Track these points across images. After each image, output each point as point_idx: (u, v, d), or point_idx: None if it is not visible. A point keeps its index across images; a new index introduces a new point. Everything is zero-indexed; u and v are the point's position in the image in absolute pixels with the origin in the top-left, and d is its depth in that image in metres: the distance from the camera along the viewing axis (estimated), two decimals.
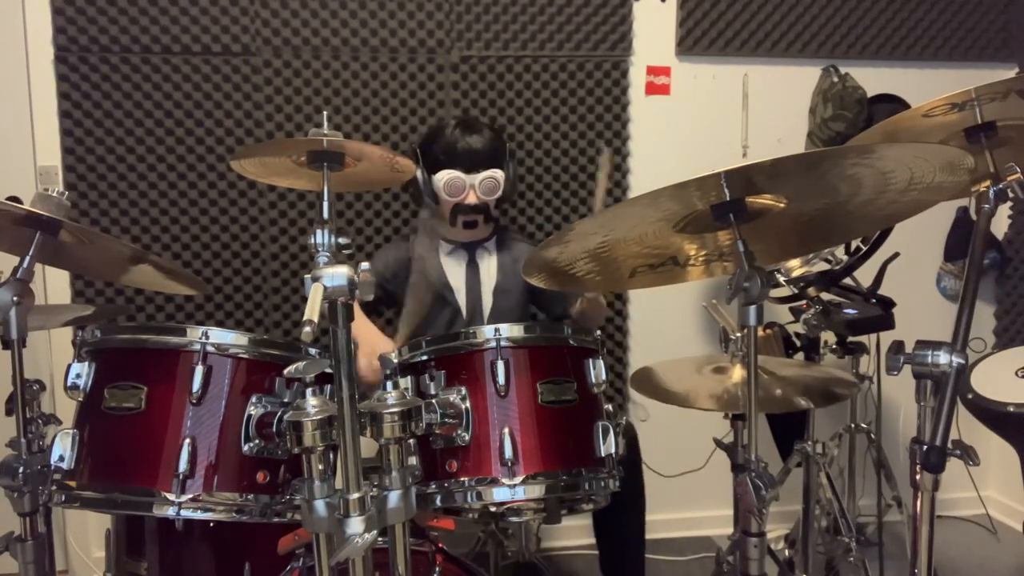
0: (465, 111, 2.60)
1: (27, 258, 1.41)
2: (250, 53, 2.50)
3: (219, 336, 1.32)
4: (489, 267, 2.21)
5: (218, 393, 1.30)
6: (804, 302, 2.27)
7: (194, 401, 1.28)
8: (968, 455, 1.14)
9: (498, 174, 2.09)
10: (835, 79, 2.71)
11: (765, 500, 1.18)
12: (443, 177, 2.06)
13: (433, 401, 1.30)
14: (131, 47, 2.44)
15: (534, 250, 1.42)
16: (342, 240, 1.23)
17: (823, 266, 2.29)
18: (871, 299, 2.25)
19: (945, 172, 1.16)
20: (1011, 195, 1.19)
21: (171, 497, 1.24)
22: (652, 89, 2.74)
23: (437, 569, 1.42)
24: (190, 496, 1.24)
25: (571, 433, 1.37)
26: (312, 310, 0.98)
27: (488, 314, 2.19)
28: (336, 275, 1.03)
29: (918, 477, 1.15)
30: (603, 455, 1.38)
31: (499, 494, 1.30)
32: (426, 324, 2.18)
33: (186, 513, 1.24)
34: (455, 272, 2.19)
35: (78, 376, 1.33)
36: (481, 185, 2.07)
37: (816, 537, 2.32)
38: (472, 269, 2.20)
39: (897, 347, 1.15)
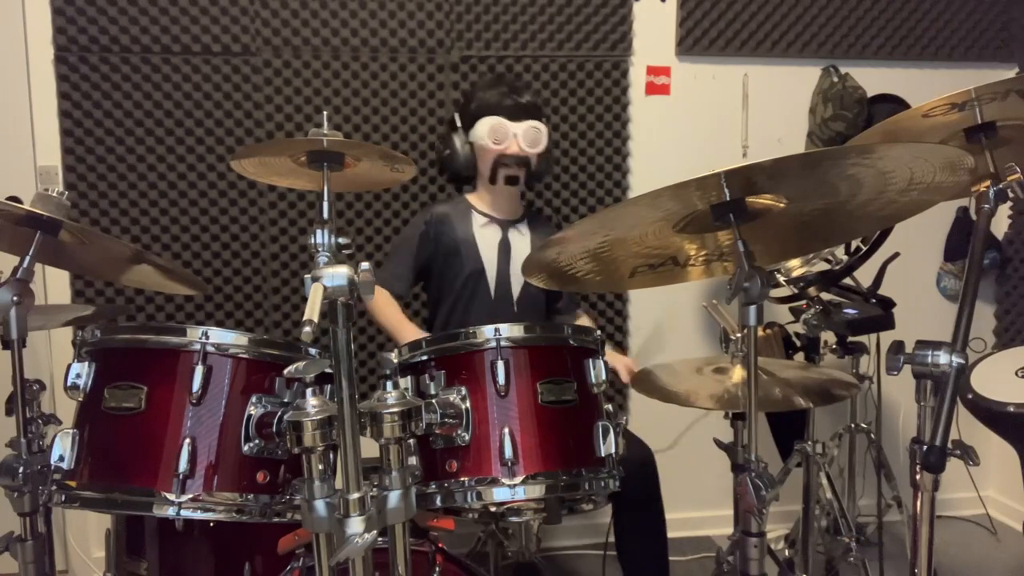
0: None
1: (27, 258, 1.41)
2: (250, 53, 2.50)
3: (219, 336, 1.31)
4: (522, 247, 2.20)
5: (218, 393, 1.30)
6: (804, 302, 2.27)
7: (194, 401, 1.28)
8: (968, 455, 1.14)
9: (541, 126, 2.12)
10: (835, 79, 2.71)
11: (765, 500, 1.18)
12: (486, 123, 2.08)
13: (433, 401, 1.30)
14: (131, 47, 2.44)
15: (534, 250, 1.42)
16: (342, 240, 1.23)
17: (823, 266, 2.29)
18: (871, 299, 2.25)
19: (945, 172, 1.16)
20: (1011, 195, 1.19)
21: (171, 497, 1.23)
22: (652, 89, 2.74)
23: (437, 569, 1.42)
24: (190, 496, 1.24)
25: (571, 433, 1.37)
26: (312, 310, 0.98)
27: (517, 295, 2.18)
28: (336, 275, 1.03)
29: (918, 477, 1.15)
30: (603, 455, 1.38)
31: (499, 494, 1.30)
32: (450, 293, 2.18)
33: (186, 513, 1.24)
34: (487, 246, 2.19)
35: (78, 376, 1.32)
36: (525, 134, 2.09)
37: (816, 537, 2.32)
38: (504, 247, 2.19)
39: (897, 347, 1.15)
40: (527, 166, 2.13)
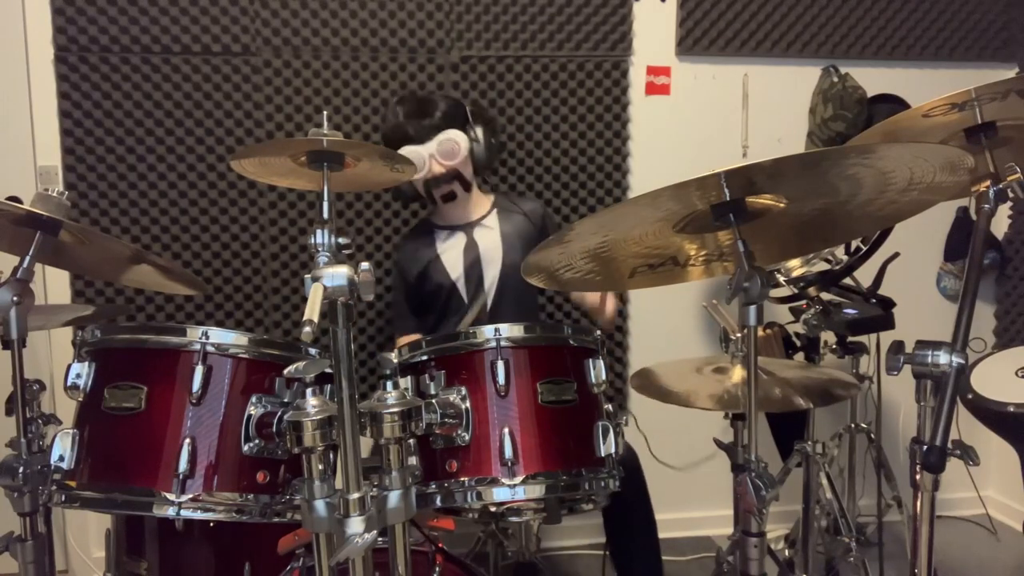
0: None
1: (27, 258, 1.41)
2: (250, 53, 2.50)
3: (219, 336, 1.31)
4: (491, 245, 2.18)
5: (218, 393, 1.30)
6: (804, 302, 2.27)
7: (194, 401, 1.28)
8: (968, 455, 1.14)
9: (454, 134, 2.07)
10: (835, 79, 2.71)
11: (765, 500, 1.18)
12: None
13: (433, 401, 1.30)
14: (131, 47, 2.44)
15: (532, 252, 1.42)
16: (342, 240, 1.23)
17: (823, 266, 2.29)
18: (871, 299, 2.25)
19: (945, 172, 1.16)
20: (1011, 195, 1.19)
21: (171, 497, 1.23)
22: (652, 89, 2.74)
23: (437, 569, 1.42)
24: (190, 496, 1.24)
25: (571, 433, 1.37)
26: (312, 310, 0.98)
27: (493, 295, 2.16)
28: (336, 275, 1.03)
29: (918, 477, 1.16)
30: (603, 455, 1.38)
31: (499, 494, 1.30)
32: (431, 313, 2.18)
33: (186, 513, 1.24)
34: (453, 258, 2.18)
35: (78, 376, 1.32)
36: (439, 150, 2.06)
37: (816, 537, 2.31)
38: (470, 249, 2.18)
39: (897, 347, 1.15)
40: (458, 177, 2.11)
